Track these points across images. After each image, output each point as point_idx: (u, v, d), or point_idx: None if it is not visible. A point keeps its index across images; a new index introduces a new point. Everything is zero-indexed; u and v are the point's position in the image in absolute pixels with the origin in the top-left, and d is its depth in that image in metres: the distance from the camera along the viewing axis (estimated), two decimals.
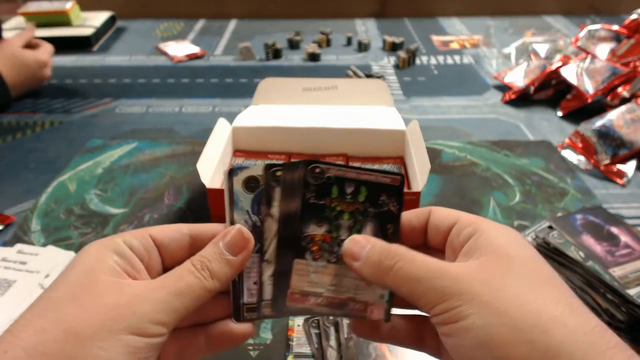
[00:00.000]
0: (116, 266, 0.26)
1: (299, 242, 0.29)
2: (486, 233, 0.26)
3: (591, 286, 0.45)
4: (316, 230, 0.29)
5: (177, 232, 0.29)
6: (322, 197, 0.28)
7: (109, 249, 0.26)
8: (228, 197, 0.28)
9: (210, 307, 0.29)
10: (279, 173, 0.28)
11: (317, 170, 0.28)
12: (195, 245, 0.29)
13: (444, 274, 0.24)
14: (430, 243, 0.30)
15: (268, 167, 0.28)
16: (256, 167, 0.28)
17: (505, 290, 0.23)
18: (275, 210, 0.28)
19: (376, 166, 0.65)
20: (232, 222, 0.28)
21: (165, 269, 0.28)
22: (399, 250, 0.26)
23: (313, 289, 0.29)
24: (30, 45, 0.91)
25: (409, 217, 0.30)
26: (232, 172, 0.28)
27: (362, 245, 0.27)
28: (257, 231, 0.29)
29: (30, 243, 0.56)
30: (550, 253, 0.48)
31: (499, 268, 0.24)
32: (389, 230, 0.29)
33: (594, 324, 0.22)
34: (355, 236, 0.28)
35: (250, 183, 0.28)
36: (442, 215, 0.29)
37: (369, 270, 0.27)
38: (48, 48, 0.92)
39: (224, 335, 0.29)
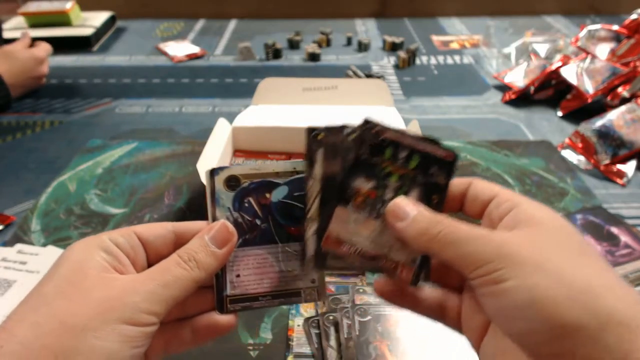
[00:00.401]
0: (103, 262, 0.27)
1: (343, 194, 0.29)
2: (526, 208, 0.26)
3: None
4: (363, 185, 0.29)
5: (161, 229, 0.30)
6: (375, 156, 0.29)
7: (96, 246, 0.27)
8: (210, 196, 0.30)
9: (194, 301, 0.30)
10: (320, 136, 0.29)
11: (374, 131, 0.29)
12: (179, 242, 0.30)
13: (489, 240, 0.25)
14: (467, 212, 0.30)
15: (310, 131, 0.30)
16: (236, 167, 0.30)
17: (553, 255, 0.23)
18: (317, 171, 0.29)
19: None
20: (215, 219, 0.30)
21: (150, 264, 0.29)
22: (446, 220, 0.27)
23: (350, 237, 0.29)
24: (28, 46, 0.91)
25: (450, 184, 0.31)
26: (213, 172, 0.30)
27: (410, 208, 0.28)
28: (239, 226, 0.30)
29: (30, 243, 0.56)
30: None
31: (544, 238, 0.24)
32: (434, 200, 0.29)
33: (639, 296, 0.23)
34: (403, 198, 0.28)
35: (231, 182, 0.30)
36: (483, 187, 0.29)
37: (412, 232, 0.27)
38: (44, 46, 0.92)
39: (209, 326, 0.30)
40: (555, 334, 0.22)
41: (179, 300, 0.27)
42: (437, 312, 0.30)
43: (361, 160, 0.29)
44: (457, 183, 0.30)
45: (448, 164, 0.29)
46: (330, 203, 0.29)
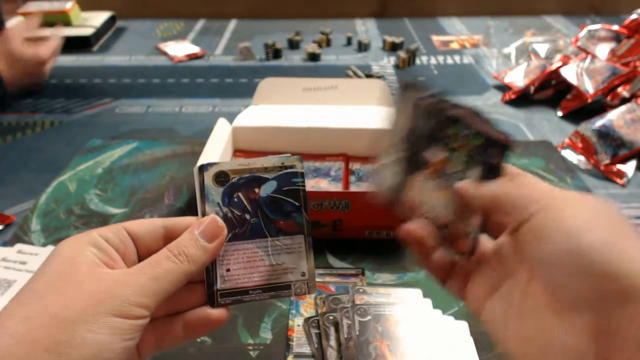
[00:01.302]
0: (94, 257, 0.27)
1: (419, 161, 0.31)
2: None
3: None
4: (434, 156, 0.31)
5: (151, 225, 0.30)
6: (443, 129, 0.31)
7: (86, 242, 0.27)
8: (199, 191, 0.31)
9: (185, 296, 0.30)
10: (410, 89, 0.31)
11: (447, 105, 0.30)
12: (169, 237, 0.30)
13: (540, 186, 0.27)
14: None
15: (404, 84, 0.32)
16: (225, 163, 0.31)
17: (584, 208, 0.25)
18: (402, 122, 0.32)
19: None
20: (204, 214, 0.31)
21: (141, 259, 0.29)
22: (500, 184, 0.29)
23: (426, 200, 0.31)
24: (35, 40, 0.89)
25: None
26: (202, 168, 0.31)
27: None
28: (228, 221, 0.31)
29: (30, 243, 0.56)
30: None
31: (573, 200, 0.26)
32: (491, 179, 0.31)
33: None
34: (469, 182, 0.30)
35: (220, 177, 0.31)
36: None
37: (478, 194, 0.29)
38: (52, 44, 0.90)
39: (201, 321, 0.30)
40: (599, 280, 0.22)
41: (170, 293, 0.27)
42: (442, 273, 0.32)
43: (434, 132, 0.31)
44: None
45: (505, 146, 0.30)
46: (412, 160, 0.31)
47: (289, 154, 0.32)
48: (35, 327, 0.23)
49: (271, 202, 0.31)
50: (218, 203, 0.31)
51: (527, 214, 0.26)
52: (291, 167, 0.32)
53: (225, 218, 0.31)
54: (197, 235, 0.29)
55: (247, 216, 0.31)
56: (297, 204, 0.32)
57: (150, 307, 0.26)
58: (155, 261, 0.28)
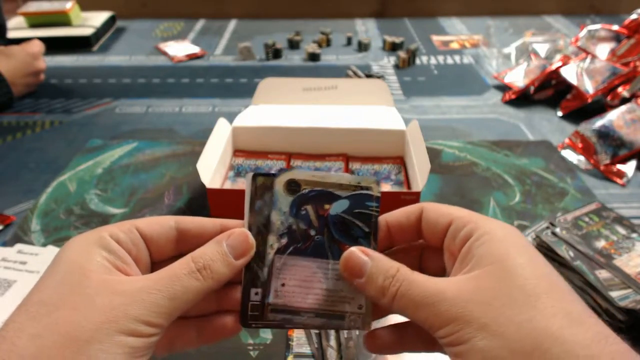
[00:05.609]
0: (105, 262, 0.25)
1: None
2: (483, 237, 0.26)
3: (591, 286, 0.45)
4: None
5: (164, 225, 0.28)
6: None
7: (96, 244, 0.26)
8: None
9: (203, 303, 0.29)
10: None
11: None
12: (182, 239, 0.29)
13: (442, 298, 0.24)
14: (427, 241, 0.30)
15: (255, 176, 0.29)
16: (298, 172, 0.29)
17: (502, 310, 0.23)
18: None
19: (373, 166, 0.65)
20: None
21: (153, 262, 0.28)
22: (399, 272, 0.26)
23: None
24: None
25: (398, 216, 0.30)
26: (255, 176, 0.29)
27: (363, 258, 0.27)
28: (292, 233, 0.29)
29: (30, 243, 0.56)
30: (550, 252, 0.48)
31: (496, 284, 0.24)
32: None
33: (592, 334, 0.22)
34: (354, 249, 0.28)
35: (292, 186, 0.29)
36: (435, 214, 0.29)
37: (372, 292, 0.27)
38: (35, 41, 0.92)
39: (217, 329, 0.29)
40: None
41: (185, 310, 0.26)
42: (428, 346, 0.29)
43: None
44: (407, 213, 0.30)
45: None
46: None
47: (366, 175, 0.30)
48: (46, 347, 0.22)
49: (340, 222, 0.29)
50: (285, 212, 0.29)
51: (438, 335, 0.24)
52: (367, 188, 0.29)
53: (289, 229, 0.29)
54: (226, 249, 0.27)
55: (312, 232, 0.29)
56: (367, 229, 0.29)
57: (164, 325, 0.25)
58: (175, 275, 0.25)
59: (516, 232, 0.27)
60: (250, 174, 0.29)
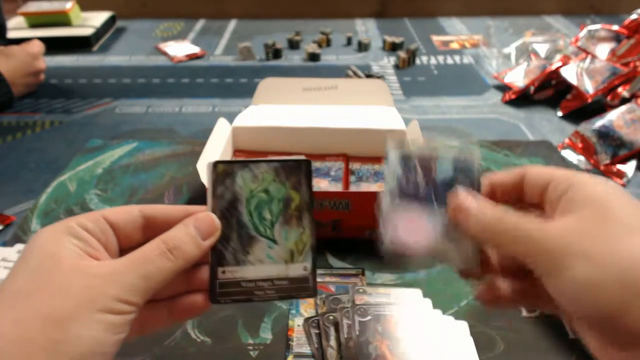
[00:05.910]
0: (76, 248, 0.26)
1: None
2: (580, 187, 0.27)
3: None
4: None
5: (130, 213, 0.30)
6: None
7: (65, 233, 0.27)
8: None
9: (172, 284, 0.30)
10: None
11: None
12: (148, 226, 0.30)
13: (544, 233, 0.26)
14: (528, 200, 0.31)
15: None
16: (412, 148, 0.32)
17: (603, 241, 0.24)
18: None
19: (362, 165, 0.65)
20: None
21: (121, 249, 0.29)
22: (506, 215, 0.28)
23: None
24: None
25: (502, 176, 0.32)
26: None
27: (470, 202, 0.29)
28: (402, 187, 0.31)
29: None
30: None
31: (597, 219, 0.25)
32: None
33: None
34: (461, 191, 0.30)
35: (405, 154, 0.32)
36: (537, 174, 0.30)
37: (478, 228, 0.29)
38: (36, 42, 0.92)
39: (188, 307, 0.30)
40: (606, 317, 0.24)
41: (158, 289, 0.27)
42: (533, 301, 0.31)
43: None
44: (511, 174, 0.31)
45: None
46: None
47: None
48: (29, 329, 0.23)
49: (447, 179, 0.32)
50: (397, 172, 0.31)
51: (537, 265, 0.26)
52: (469, 153, 0.32)
53: (399, 184, 0.31)
54: (194, 231, 0.28)
55: (421, 187, 0.31)
56: (471, 186, 0.31)
57: (140, 304, 0.26)
58: (147, 256, 0.27)
59: (614, 183, 0.28)
60: (211, 163, 0.30)
